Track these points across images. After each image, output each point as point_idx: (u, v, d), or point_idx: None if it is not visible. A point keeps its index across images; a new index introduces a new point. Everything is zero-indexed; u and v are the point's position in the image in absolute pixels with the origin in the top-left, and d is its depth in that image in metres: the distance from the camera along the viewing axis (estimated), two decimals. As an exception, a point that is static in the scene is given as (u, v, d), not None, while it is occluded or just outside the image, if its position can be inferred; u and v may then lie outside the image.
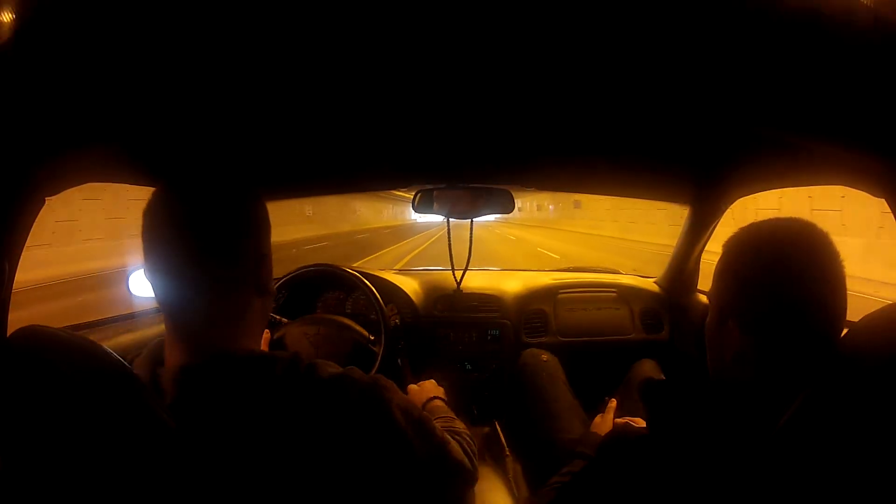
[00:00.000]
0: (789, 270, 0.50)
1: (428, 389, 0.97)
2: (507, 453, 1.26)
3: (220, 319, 0.52)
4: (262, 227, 0.55)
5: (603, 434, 0.91)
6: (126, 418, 0.41)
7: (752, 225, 0.56)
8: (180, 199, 0.51)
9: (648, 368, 1.35)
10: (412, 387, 0.99)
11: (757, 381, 0.51)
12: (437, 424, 0.62)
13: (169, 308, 0.51)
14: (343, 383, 0.53)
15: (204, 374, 0.48)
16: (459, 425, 0.76)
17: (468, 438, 0.70)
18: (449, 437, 0.63)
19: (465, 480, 0.65)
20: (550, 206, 31.14)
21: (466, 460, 0.64)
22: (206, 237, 0.50)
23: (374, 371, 1.18)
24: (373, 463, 0.52)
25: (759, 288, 0.52)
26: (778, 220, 0.55)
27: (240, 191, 0.54)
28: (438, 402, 0.89)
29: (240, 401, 0.48)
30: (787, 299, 0.50)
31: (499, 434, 1.35)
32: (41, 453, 0.38)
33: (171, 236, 0.50)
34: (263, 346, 1.03)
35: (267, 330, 1.08)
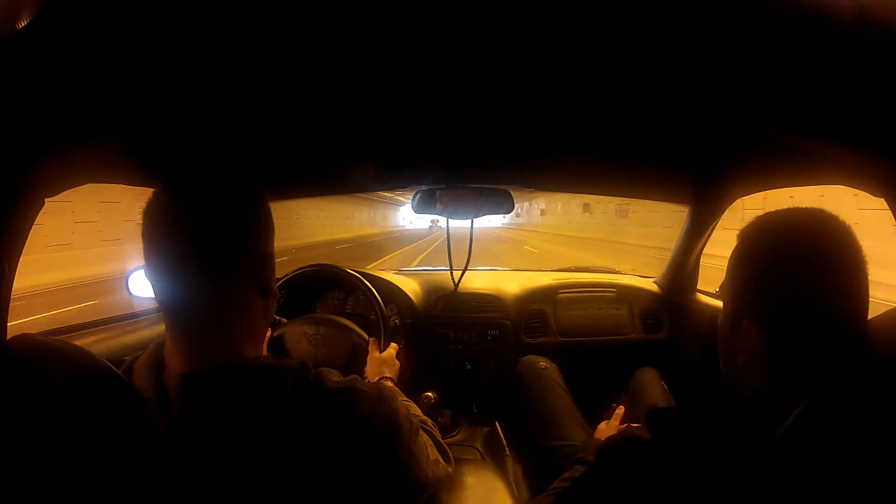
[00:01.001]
0: (814, 270, 0.46)
1: (380, 370, 0.97)
2: (507, 453, 1.26)
3: (223, 322, 0.51)
4: (264, 225, 0.55)
5: (605, 440, 0.89)
6: (120, 428, 0.41)
7: (769, 214, 0.52)
8: (181, 198, 0.50)
9: (650, 378, 1.33)
10: (375, 357, 1.00)
11: (769, 393, 0.48)
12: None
13: (170, 309, 0.51)
14: (351, 395, 0.52)
15: (211, 384, 0.48)
16: (417, 411, 0.78)
17: (431, 426, 0.73)
18: (424, 433, 0.65)
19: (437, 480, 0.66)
20: (627, 210, 16.38)
21: (442, 464, 0.66)
22: (208, 236, 0.49)
23: None
24: (381, 470, 0.52)
25: (780, 288, 0.48)
26: (799, 210, 0.51)
27: (241, 188, 0.53)
28: (390, 384, 0.90)
29: (250, 413, 0.47)
30: (811, 302, 0.46)
31: (499, 434, 1.35)
32: (33, 463, 0.38)
33: (171, 235, 0.49)
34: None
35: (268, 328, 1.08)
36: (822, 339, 0.46)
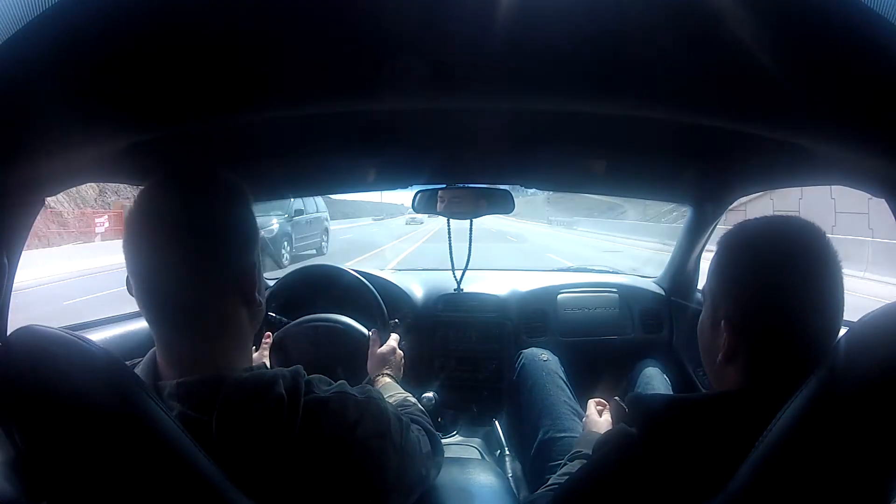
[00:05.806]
0: (785, 275, 0.48)
1: (382, 364, 0.97)
2: (507, 453, 1.26)
3: (210, 333, 0.50)
4: (250, 234, 0.54)
5: (601, 434, 0.90)
6: (128, 420, 0.40)
7: (747, 223, 0.55)
8: (166, 208, 0.49)
9: (651, 372, 1.34)
10: (377, 352, 0.99)
11: (746, 389, 0.50)
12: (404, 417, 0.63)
13: (156, 321, 0.50)
14: (340, 401, 0.52)
15: (207, 395, 0.47)
16: (410, 399, 0.80)
17: (420, 414, 0.74)
18: (416, 428, 0.66)
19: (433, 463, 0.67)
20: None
21: (435, 458, 0.67)
22: (193, 242, 0.49)
23: None
24: (375, 471, 0.53)
25: (753, 292, 0.50)
26: (774, 218, 0.54)
27: (229, 194, 0.53)
28: (388, 380, 0.90)
29: (243, 423, 0.47)
30: (781, 305, 0.48)
31: (499, 434, 1.35)
32: (39, 454, 0.38)
33: (156, 242, 0.48)
34: (264, 350, 1.04)
35: (268, 333, 1.09)
36: (791, 346, 0.48)
